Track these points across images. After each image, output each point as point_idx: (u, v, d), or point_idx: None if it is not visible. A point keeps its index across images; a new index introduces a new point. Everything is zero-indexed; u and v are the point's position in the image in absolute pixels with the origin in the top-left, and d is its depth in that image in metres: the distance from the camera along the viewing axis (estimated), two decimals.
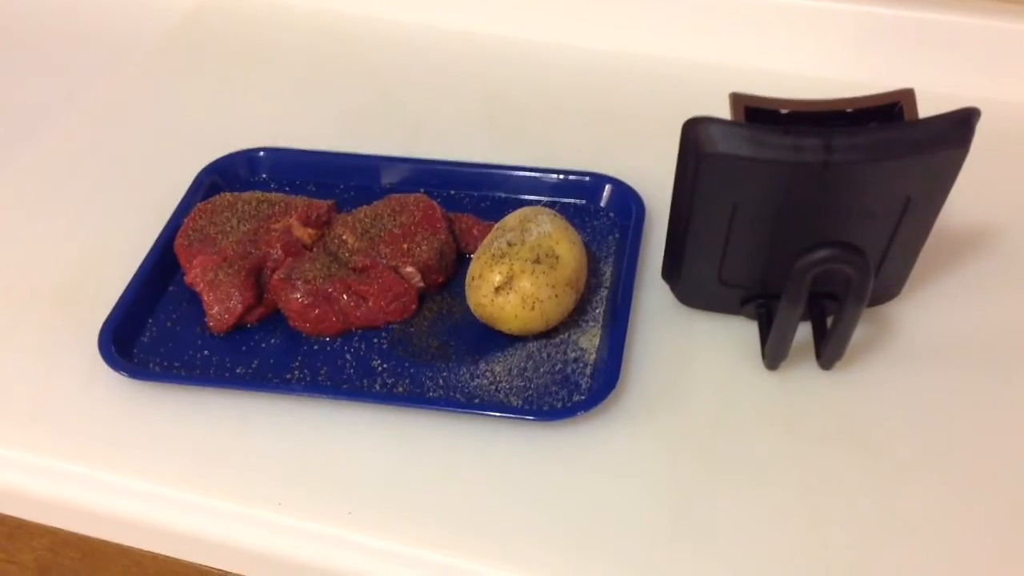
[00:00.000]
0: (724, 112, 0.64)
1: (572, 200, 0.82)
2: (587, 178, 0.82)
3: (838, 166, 0.59)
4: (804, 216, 0.63)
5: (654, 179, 0.80)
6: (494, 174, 0.83)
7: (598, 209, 0.81)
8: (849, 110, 0.63)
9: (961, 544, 0.60)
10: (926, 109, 0.63)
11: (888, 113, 0.63)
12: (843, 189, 0.61)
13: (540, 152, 0.86)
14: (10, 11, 1.07)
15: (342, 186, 0.84)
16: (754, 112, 0.63)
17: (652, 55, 0.97)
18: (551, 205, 0.81)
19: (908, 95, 0.63)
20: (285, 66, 0.99)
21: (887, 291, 0.71)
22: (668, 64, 0.96)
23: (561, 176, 0.82)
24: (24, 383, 0.70)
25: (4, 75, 0.99)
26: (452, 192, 0.83)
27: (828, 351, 0.67)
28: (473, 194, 0.83)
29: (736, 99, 0.64)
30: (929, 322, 0.72)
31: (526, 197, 0.82)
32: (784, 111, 0.64)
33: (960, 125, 0.60)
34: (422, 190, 0.82)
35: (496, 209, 0.81)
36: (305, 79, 0.97)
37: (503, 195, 0.83)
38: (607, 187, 0.82)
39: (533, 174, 0.82)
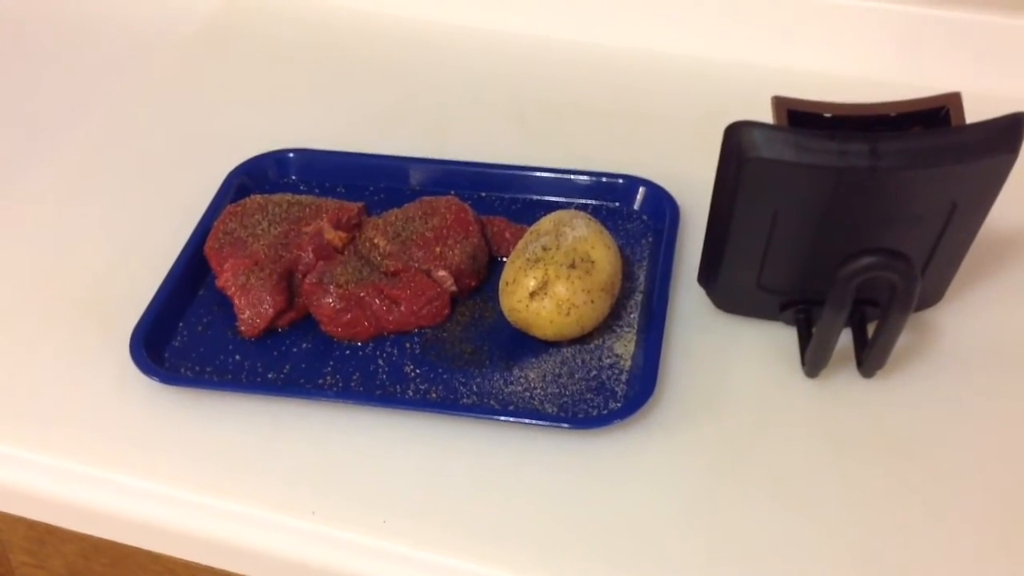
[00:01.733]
0: (760, 113, 0.63)
1: (605, 202, 0.81)
2: (620, 180, 0.81)
3: (884, 172, 0.58)
4: (847, 221, 0.62)
5: (688, 181, 0.79)
6: (525, 176, 0.82)
7: (631, 212, 0.80)
8: (894, 114, 0.62)
9: (1010, 558, 0.59)
10: (973, 112, 0.61)
11: (934, 117, 0.62)
12: (888, 195, 0.60)
13: (572, 153, 0.85)
14: (37, 12, 1.06)
15: (372, 188, 0.83)
16: (797, 116, 0.62)
17: (685, 54, 0.96)
18: (583, 207, 0.80)
19: (955, 99, 0.62)
20: (314, 66, 0.98)
21: (929, 297, 0.70)
22: (702, 63, 0.95)
23: (593, 178, 0.81)
24: (55, 388, 0.69)
25: (32, 78, 0.98)
26: (483, 194, 0.82)
27: (870, 359, 0.66)
28: (504, 196, 0.82)
29: (779, 102, 0.63)
30: (972, 328, 0.71)
31: (558, 199, 0.81)
32: (827, 115, 0.62)
33: (1008, 131, 0.59)
34: (452, 192, 0.81)
35: (528, 211, 0.80)
36: (334, 79, 0.96)
37: (535, 197, 0.82)
38: (640, 189, 0.80)
39: (565, 176, 0.82)
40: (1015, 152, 0.59)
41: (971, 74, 0.84)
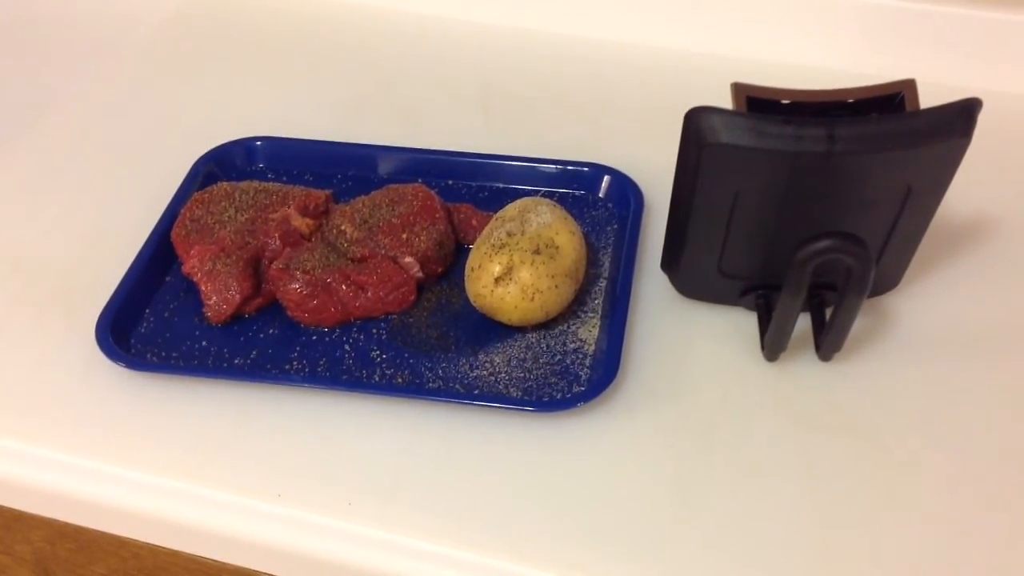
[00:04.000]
0: (725, 102, 0.64)
1: (571, 190, 0.82)
2: (586, 168, 0.82)
3: (840, 156, 0.59)
4: (804, 206, 0.63)
5: (653, 169, 0.80)
6: (492, 164, 0.83)
7: (596, 199, 0.81)
8: (850, 100, 0.63)
9: (961, 533, 0.60)
10: (927, 100, 0.63)
11: (890, 103, 0.63)
12: (844, 179, 0.61)
13: (539, 142, 0.86)
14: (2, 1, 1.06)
15: (339, 176, 0.84)
16: (755, 102, 0.63)
17: (651, 45, 0.97)
18: (550, 195, 0.81)
19: (910, 85, 0.63)
20: (282, 55, 0.98)
21: (886, 282, 0.71)
22: (667, 54, 0.96)
23: (560, 166, 0.82)
24: (21, 374, 0.69)
25: None
26: (450, 182, 0.83)
27: (827, 342, 0.67)
28: (471, 184, 0.83)
29: (738, 89, 0.63)
30: (928, 313, 0.72)
31: (524, 187, 0.82)
32: (785, 101, 0.63)
33: (962, 115, 0.60)
34: (420, 180, 0.82)
35: (494, 199, 0.81)
36: (302, 68, 0.96)
37: (501, 185, 0.82)
38: (606, 177, 0.81)
39: (532, 164, 0.82)
40: (968, 136, 0.60)
41: (926, 63, 0.86)
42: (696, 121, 0.60)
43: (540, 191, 0.82)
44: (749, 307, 0.71)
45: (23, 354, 0.70)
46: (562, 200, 0.80)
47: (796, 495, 0.62)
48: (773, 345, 0.67)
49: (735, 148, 0.60)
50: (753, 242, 0.66)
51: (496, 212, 0.75)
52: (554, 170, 0.82)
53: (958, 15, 0.87)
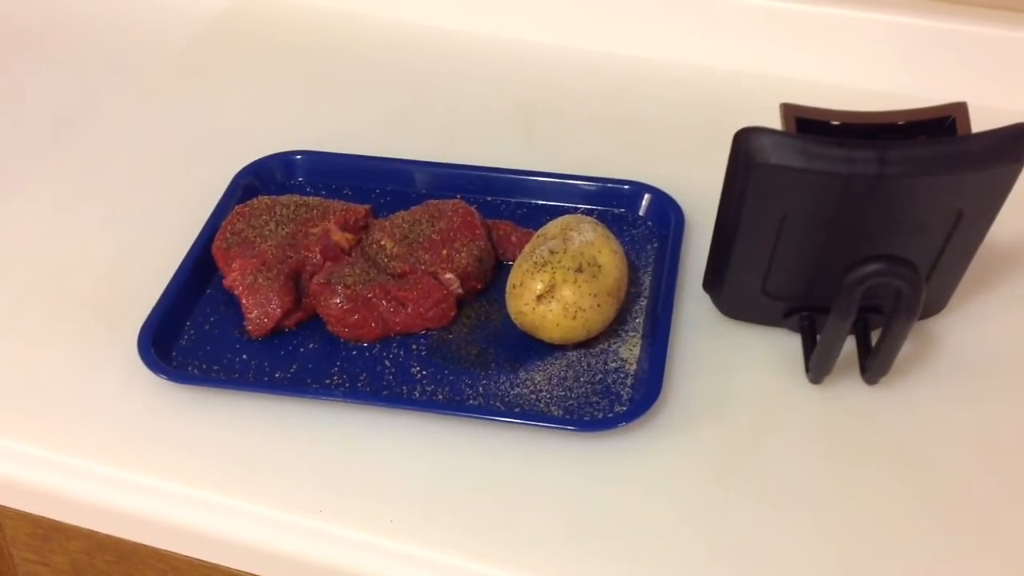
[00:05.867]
0: (767, 122, 0.64)
1: (610, 208, 0.81)
2: (626, 186, 0.81)
3: (891, 179, 0.59)
4: (853, 228, 0.62)
5: (693, 188, 0.80)
6: (531, 181, 0.83)
7: (636, 218, 0.81)
8: (901, 123, 0.63)
9: (1009, 563, 0.59)
10: (979, 123, 0.62)
11: (940, 126, 0.63)
12: (895, 202, 0.60)
13: (578, 159, 0.86)
14: (45, 13, 1.07)
15: (378, 190, 0.84)
16: (805, 123, 0.63)
17: (691, 64, 0.96)
18: (589, 213, 0.81)
19: (961, 108, 0.62)
20: (322, 69, 0.99)
21: (933, 305, 0.70)
22: (707, 73, 0.95)
23: (599, 184, 0.82)
24: (63, 385, 0.69)
25: (40, 78, 0.98)
26: (489, 198, 0.82)
27: (874, 366, 0.66)
28: (510, 200, 0.82)
29: (787, 110, 0.63)
30: (975, 337, 0.71)
31: (563, 205, 0.82)
32: (835, 123, 0.63)
33: (1014, 140, 0.59)
34: (459, 196, 0.81)
35: (533, 216, 0.81)
36: (342, 82, 0.97)
37: (540, 202, 0.82)
38: (646, 196, 0.81)
39: (571, 181, 0.82)
40: (1020, 161, 0.59)
41: (976, 86, 0.85)
42: (746, 141, 0.60)
43: (579, 208, 0.81)
44: (793, 328, 0.71)
45: (65, 365, 0.71)
46: (601, 218, 0.80)
47: (840, 519, 0.61)
48: (818, 368, 0.67)
49: (785, 169, 0.59)
50: (799, 263, 0.66)
51: (535, 229, 0.74)
52: (593, 188, 0.82)
53: (1011, 38, 0.87)
